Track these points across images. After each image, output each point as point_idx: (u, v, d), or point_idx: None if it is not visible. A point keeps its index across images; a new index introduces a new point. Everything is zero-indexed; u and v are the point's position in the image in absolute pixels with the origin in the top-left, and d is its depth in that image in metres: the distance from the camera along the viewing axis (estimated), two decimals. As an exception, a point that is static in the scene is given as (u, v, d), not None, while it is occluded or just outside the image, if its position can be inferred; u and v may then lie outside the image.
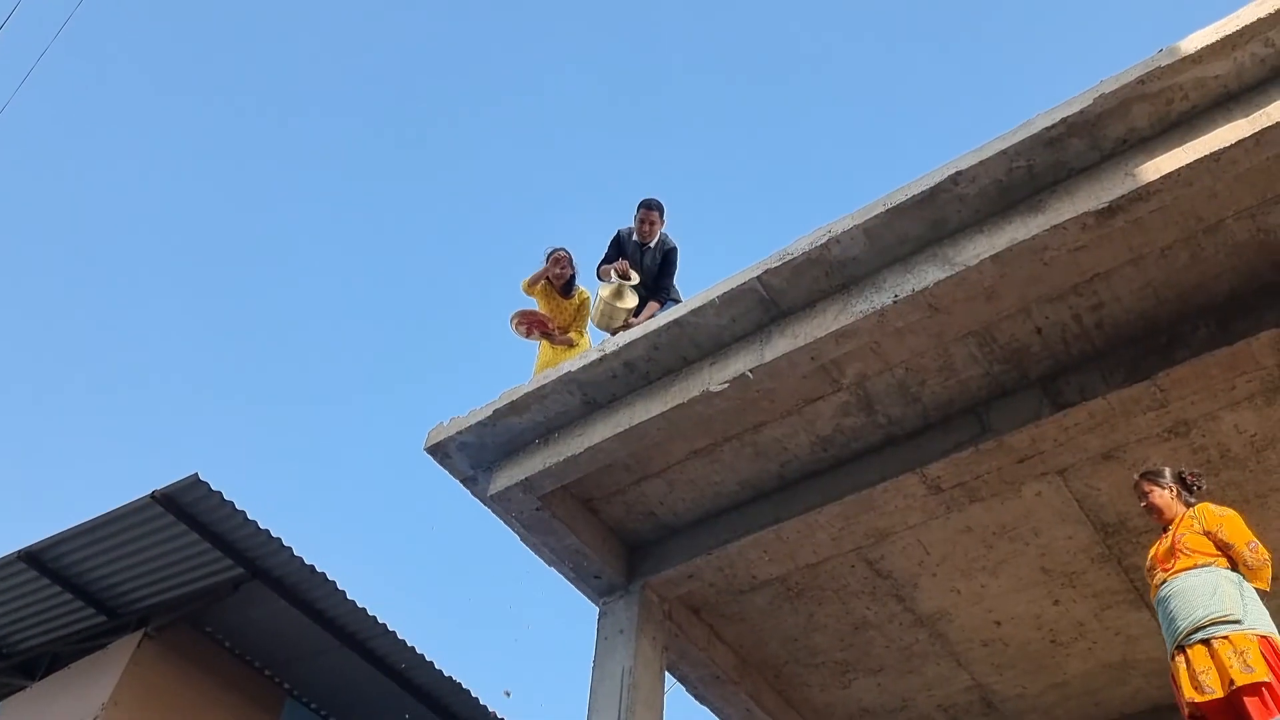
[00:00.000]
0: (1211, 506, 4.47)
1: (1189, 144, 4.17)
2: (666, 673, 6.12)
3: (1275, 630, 4.02)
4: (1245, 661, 3.85)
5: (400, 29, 31.39)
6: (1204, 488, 4.68)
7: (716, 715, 6.91)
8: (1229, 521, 4.37)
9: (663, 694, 5.88)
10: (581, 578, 6.13)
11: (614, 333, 6.73)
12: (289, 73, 32.36)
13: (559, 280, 7.00)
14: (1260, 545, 4.27)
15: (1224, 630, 3.98)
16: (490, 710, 7.82)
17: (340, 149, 33.41)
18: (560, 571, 6.16)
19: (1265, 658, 3.87)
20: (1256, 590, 4.20)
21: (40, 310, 29.92)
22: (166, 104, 30.16)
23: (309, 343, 36.87)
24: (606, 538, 6.13)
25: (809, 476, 5.79)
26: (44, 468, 31.20)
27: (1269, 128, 4.03)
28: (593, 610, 6.19)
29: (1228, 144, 4.09)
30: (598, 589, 6.16)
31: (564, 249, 7.02)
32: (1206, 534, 4.35)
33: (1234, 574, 4.22)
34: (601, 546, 6.05)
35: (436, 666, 7.40)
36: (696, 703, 6.84)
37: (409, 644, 7.19)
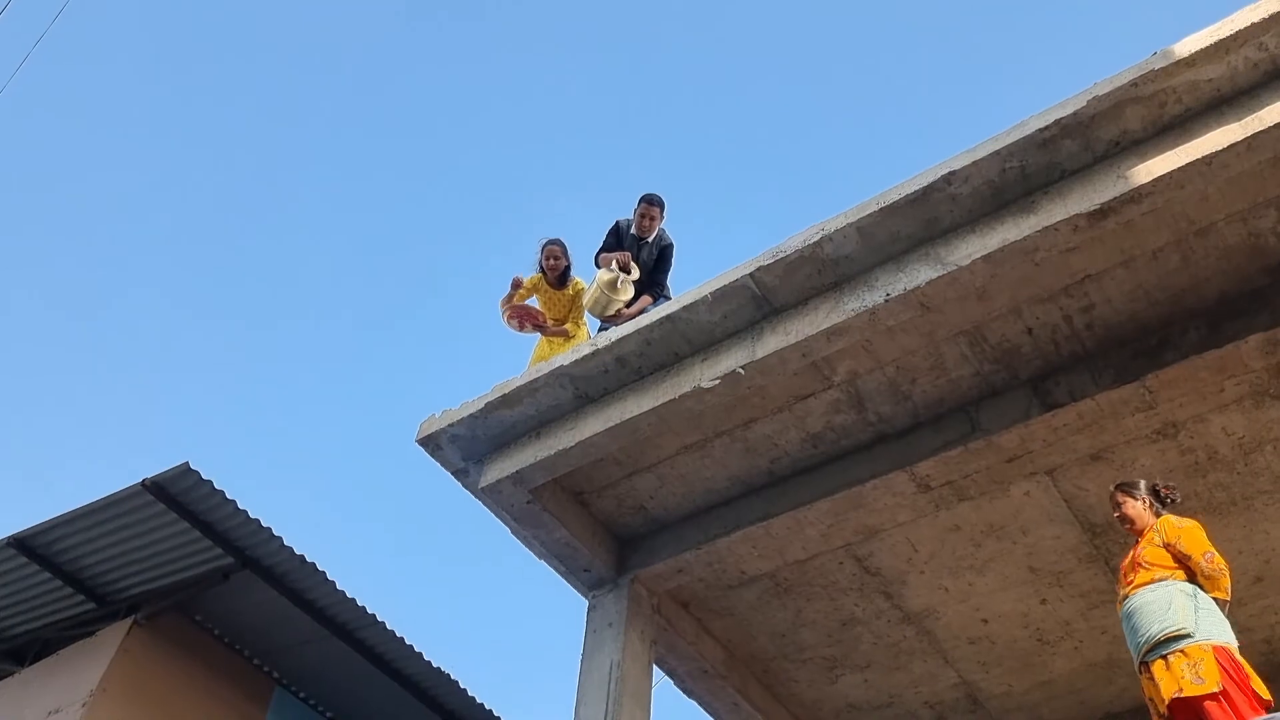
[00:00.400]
0: (1172, 518, 4.54)
1: (1181, 147, 4.19)
2: (654, 666, 6.14)
3: (1231, 639, 4.08)
4: (1197, 673, 3.93)
5: (389, 13, 31.30)
6: (1179, 500, 4.74)
7: (704, 709, 6.94)
8: (1187, 533, 4.43)
9: (650, 687, 5.90)
10: (571, 571, 6.15)
11: (605, 320, 6.76)
12: (280, 57, 32.26)
13: (553, 272, 7.00)
14: (1217, 555, 4.33)
15: (1178, 645, 4.06)
16: (479, 702, 7.83)
17: (330, 137, 33.33)
18: (550, 564, 6.17)
19: (1221, 666, 3.94)
20: (1218, 600, 4.26)
21: (31, 297, 29.84)
22: (158, 90, 30.08)
23: (302, 331, 36.83)
24: (596, 531, 6.15)
25: (799, 473, 5.81)
26: (35, 455, 31.16)
27: (1261, 132, 4.05)
28: (582, 603, 6.22)
29: (1220, 147, 4.10)
30: (587, 582, 6.18)
31: (558, 240, 7.02)
32: (1166, 546, 4.44)
33: (1190, 586, 4.28)
34: (591, 540, 6.07)
35: (426, 658, 7.40)
36: (684, 696, 6.86)
37: (398, 635, 7.20)
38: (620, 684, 5.52)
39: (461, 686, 7.68)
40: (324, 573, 6.74)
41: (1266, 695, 3.94)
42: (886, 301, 4.66)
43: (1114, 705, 6.91)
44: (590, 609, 6.09)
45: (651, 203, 6.98)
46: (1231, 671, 3.93)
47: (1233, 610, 6.07)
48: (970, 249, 4.52)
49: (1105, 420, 5.14)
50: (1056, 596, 6.26)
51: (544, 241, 7.03)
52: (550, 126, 35.35)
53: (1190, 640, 4.05)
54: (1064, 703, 6.93)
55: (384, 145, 34.55)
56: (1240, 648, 6.31)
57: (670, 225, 7.17)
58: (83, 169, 30.37)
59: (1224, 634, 4.09)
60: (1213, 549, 4.36)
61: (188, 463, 6.20)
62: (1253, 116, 4.08)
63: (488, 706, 7.91)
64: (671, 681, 6.78)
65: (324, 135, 33.07)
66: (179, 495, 6.39)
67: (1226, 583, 4.30)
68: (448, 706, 7.85)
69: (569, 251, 7.06)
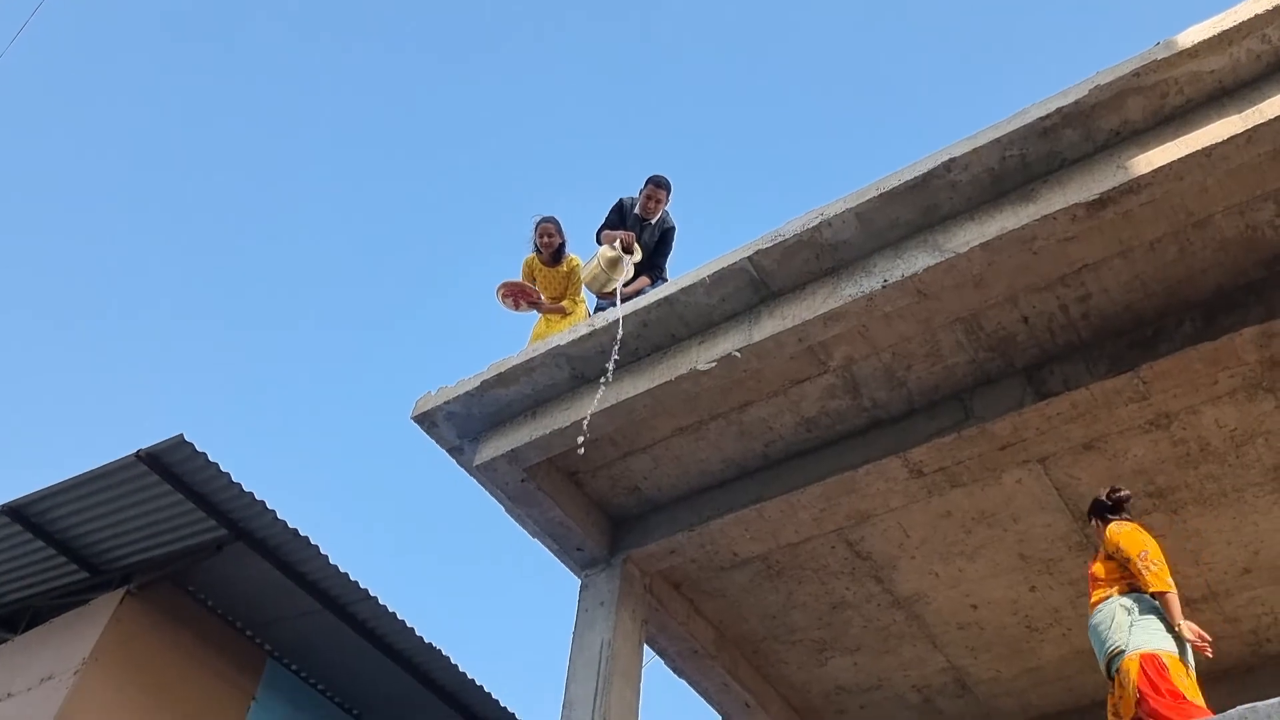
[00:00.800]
0: (1114, 526, 4.62)
1: (1181, 138, 4.19)
2: (645, 646, 6.17)
3: (1162, 644, 4.12)
4: (1126, 690, 4.06)
5: (388, 12, 31.07)
6: (1124, 495, 4.79)
7: (694, 689, 6.97)
8: (1124, 537, 4.50)
9: (641, 666, 5.94)
10: (564, 550, 6.17)
11: (602, 298, 6.76)
12: (280, 55, 32.03)
13: (547, 249, 6.99)
14: (1151, 552, 4.39)
15: (1117, 663, 4.19)
16: (469, 677, 7.88)
17: (331, 136, 33.13)
18: (543, 543, 6.20)
19: (1145, 673, 4.02)
20: (1158, 594, 4.28)
21: (33, 274, 29.75)
22: (155, 70, 29.89)
23: (303, 318, 36.73)
24: (590, 511, 6.16)
25: (793, 457, 5.83)
26: (32, 425, 31.14)
27: (1262, 124, 4.06)
28: (575, 582, 6.24)
29: (1220, 139, 4.11)
30: (580, 561, 6.20)
31: (551, 218, 7.02)
32: (1109, 558, 4.53)
33: (1129, 598, 4.36)
34: (585, 519, 6.08)
35: (418, 633, 7.44)
36: (675, 676, 6.90)
37: (390, 609, 7.23)
38: (611, 662, 5.56)
39: (453, 662, 7.72)
40: (317, 546, 6.77)
41: (1193, 697, 3.99)
42: (884, 288, 4.66)
43: (1101, 693, 6.88)
44: (582, 588, 6.12)
45: (659, 185, 6.97)
46: (1152, 674, 4.01)
47: (1219, 601, 6.16)
48: (968, 236, 4.53)
49: (1098, 410, 5.16)
50: (1046, 584, 6.30)
51: (538, 220, 7.04)
52: (550, 124, 35.13)
53: (1124, 655, 4.18)
54: (1052, 689, 6.97)
55: (385, 142, 34.33)
56: (1227, 638, 6.41)
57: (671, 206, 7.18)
58: (82, 136, 30.22)
59: (1154, 641, 4.15)
60: (1148, 547, 4.42)
61: (182, 435, 6.21)
62: (1253, 109, 4.09)
63: (478, 682, 7.95)
64: (662, 661, 6.82)
65: (325, 134, 32.82)
66: (173, 466, 6.40)
67: (1163, 574, 4.33)
68: (438, 681, 7.89)
69: (563, 229, 7.06)
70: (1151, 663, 4.06)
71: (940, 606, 6.56)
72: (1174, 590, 4.30)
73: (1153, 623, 4.23)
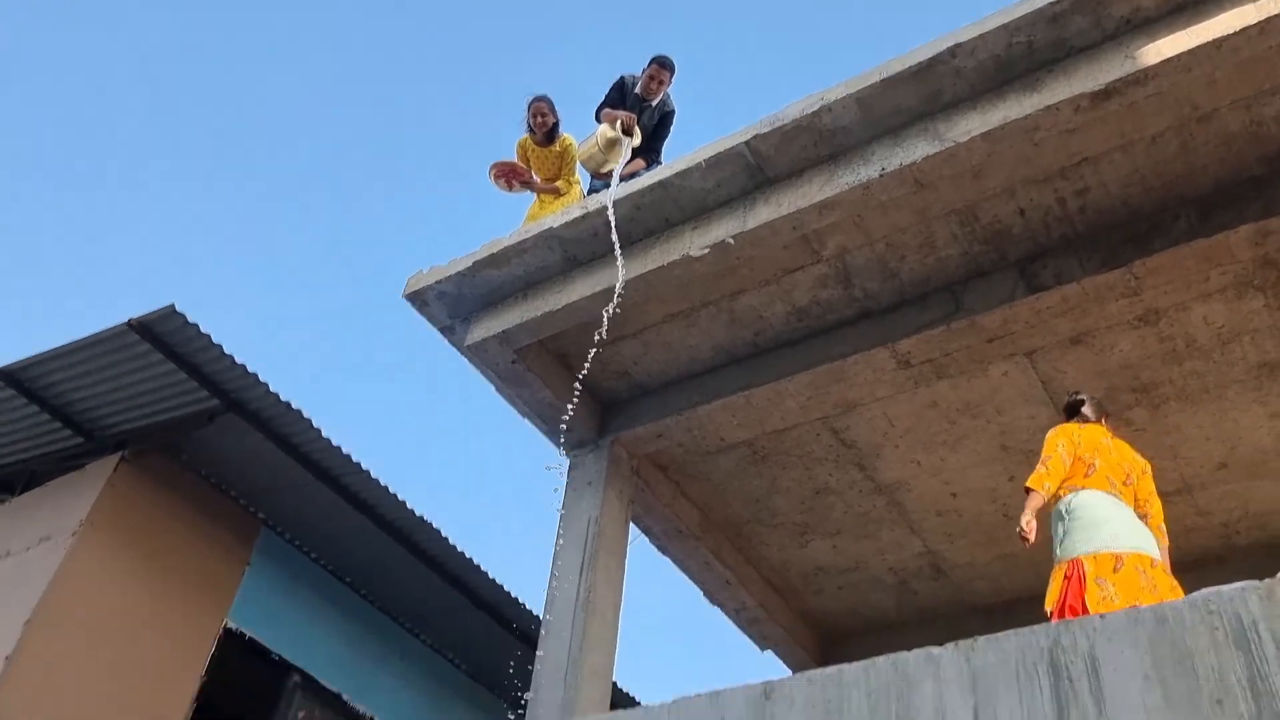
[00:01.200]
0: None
1: (1193, 28, 4.08)
2: (631, 524, 6.31)
3: (1088, 548, 4.12)
4: (1050, 593, 4.10)
5: None
6: (1080, 399, 4.76)
7: (678, 566, 7.17)
8: (1046, 441, 4.53)
9: (626, 543, 6.08)
10: (553, 430, 6.25)
11: (596, 178, 6.68)
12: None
13: (541, 129, 6.87)
14: (1058, 451, 4.44)
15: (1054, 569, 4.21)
16: (459, 550, 8.06)
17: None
18: (533, 423, 6.28)
19: (1066, 579, 4.07)
20: (1029, 490, 4.36)
21: (27, 138, 29.13)
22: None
23: (298, 184, 36.19)
24: (579, 394, 6.21)
25: (782, 345, 5.86)
26: (29, 293, 31.01)
27: (1275, 15, 3.94)
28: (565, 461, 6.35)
29: (1232, 30, 4.00)
30: (569, 442, 6.28)
31: (544, 97, 6.87)
32: None
33: (1064, 501, 4.38)
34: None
35: (409, 506, 7.57)
36: (659, 553, 7.09)
37: (381, 482, 7.34)
38: (598, 539, 5.69)
39: (444, 535, 7.88)
40: (309, 419, 6.81)
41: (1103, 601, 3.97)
42: (881, 176, 4.61)
43: (1071, 579, 7.16)
44: (571, 468, 6.22)
45: (663, 65, 6.81)
46: (1069, 589, 4.03)
47: (1193, 494, 6.29)
48: (970, 125, 4.45)
49: (1089, 304, 5.17)
50: (1025, 474, 6.36)
51: (530, 99, 6.89)
52: (550, 9, 33.98)
53: (1056, 560, 4.23)
54: (1024, 575, 7.17)
55: (384, 21, 33.20)
56: (1198, 530, 6.57)
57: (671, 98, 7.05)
58: (63, 41, 29.23)
59: (1081, 546, 4.14)
60: (1053, 452, 4.45)
61: (173, 305, 6.18)
62: (1269, -1, 3.97)
63: (468, 555, 8.14)
64: (648, 539, 6.99)
65: (326, 15, 31.65)
66: (164, 336, 6.39)
67: (1045, 478, 4.36)
68: (428, 551, 8.07)
69: (556, 108, 6.92)
70: (1073, 574, 4.08)
71: (920, 494, 6.70)
72: (1041, 490, 4.32)
73: (1081, 524, 4.22)
